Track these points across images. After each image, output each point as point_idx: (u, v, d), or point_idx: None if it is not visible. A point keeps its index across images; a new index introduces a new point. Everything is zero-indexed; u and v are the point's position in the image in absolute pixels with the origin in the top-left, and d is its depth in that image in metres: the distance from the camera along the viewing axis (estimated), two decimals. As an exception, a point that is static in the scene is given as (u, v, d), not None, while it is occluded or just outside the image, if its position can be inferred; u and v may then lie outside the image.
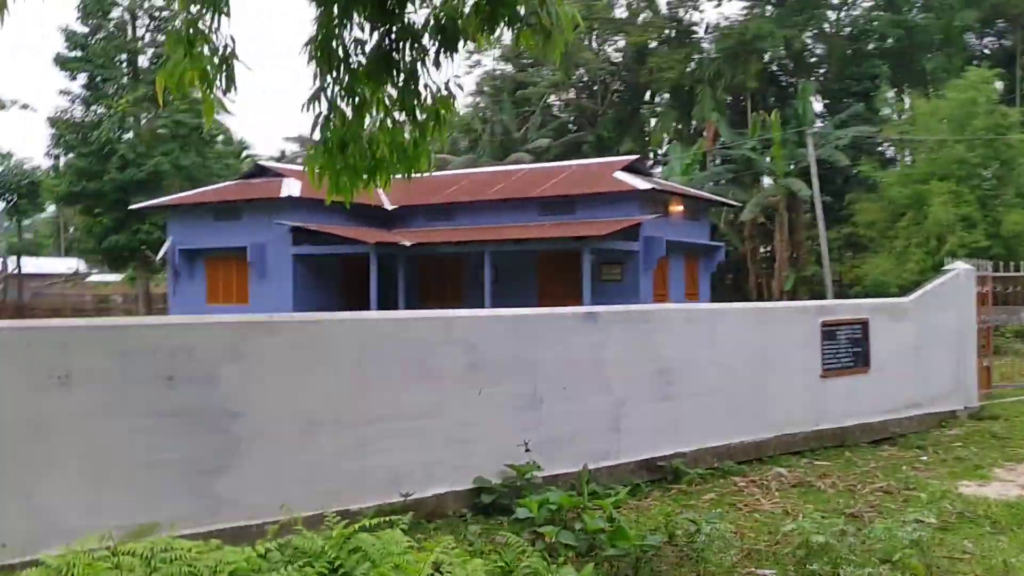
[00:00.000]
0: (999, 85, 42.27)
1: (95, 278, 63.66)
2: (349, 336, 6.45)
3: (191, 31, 4.33)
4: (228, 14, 4.49)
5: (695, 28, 48.66)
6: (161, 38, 37.74)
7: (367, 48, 5.06)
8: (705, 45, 47.57)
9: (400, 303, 24.27)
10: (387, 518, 5.67)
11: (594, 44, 49.75)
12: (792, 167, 39.09)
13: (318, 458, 6.16)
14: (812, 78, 44.24)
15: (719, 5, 72.27)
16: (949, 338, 11.17)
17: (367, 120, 5.14)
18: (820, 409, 9.62)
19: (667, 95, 47.19)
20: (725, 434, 8.67)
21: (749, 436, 8.87)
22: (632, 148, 46.38)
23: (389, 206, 26.86)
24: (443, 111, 5.12)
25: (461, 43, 5.08)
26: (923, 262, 29.74)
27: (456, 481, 6.79)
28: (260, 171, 28.24)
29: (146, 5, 37.28)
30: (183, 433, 5.60)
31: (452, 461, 6.80)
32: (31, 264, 65.93)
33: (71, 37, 36.77)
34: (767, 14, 44.13)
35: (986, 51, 45.31)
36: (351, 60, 5.05)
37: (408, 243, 23.92)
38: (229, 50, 4.52)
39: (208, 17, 4.44)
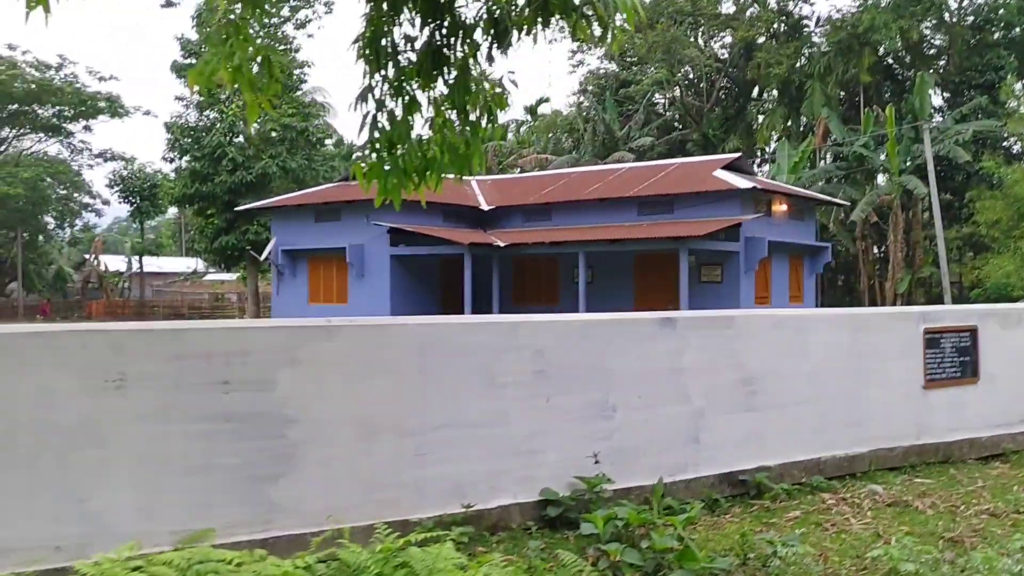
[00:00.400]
0: None
1: (212, 277, 66.16)
2: (410, 341, 6.29)
3: (228, 30, 4.22)
4: (267, 11, 4.36)
5: (806, 21, 47.16)
6: (271, 43, 38.82)
7: (417, 44, 4.88)
8: (816, 39, 46.02)
9: (494, 303, 24.23)
10: (433, 533, 5.50)
11: (700, 41, 48.75)
12: (908, 164, 37.44)
13: (376, 466, 6.02)
14: (931, 70, 42.23)
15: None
16: (1071, 347, 10.31)
17: (417, 119, 4.95)
18: (922, 422, 8.99)
19: (775, 91, 45.83)
20: (814, 448, 8.17)
21: (841, 450, 8.34)
22: (738, 146, 45.26)
23: (486, 207, 26.87)
24: (496, 108, 4.89)
25: (515, 37, 4.85)
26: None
27: (521, 493, 6.56)
28: (361, 173, 28.47)
29: (257, 12, 38.20)
30: (238, 439, 5.53)
31: (517, 472, 6.57)
32: (153, 263, 69.09)
33: (186, 45, 38.18)
34: (882, 5, 42.32)
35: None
36: (400, 57, 4.88)
37: (502, 243, 23.85)
38: (266, 47, 4.39)
39: (247, 14, 4.33)
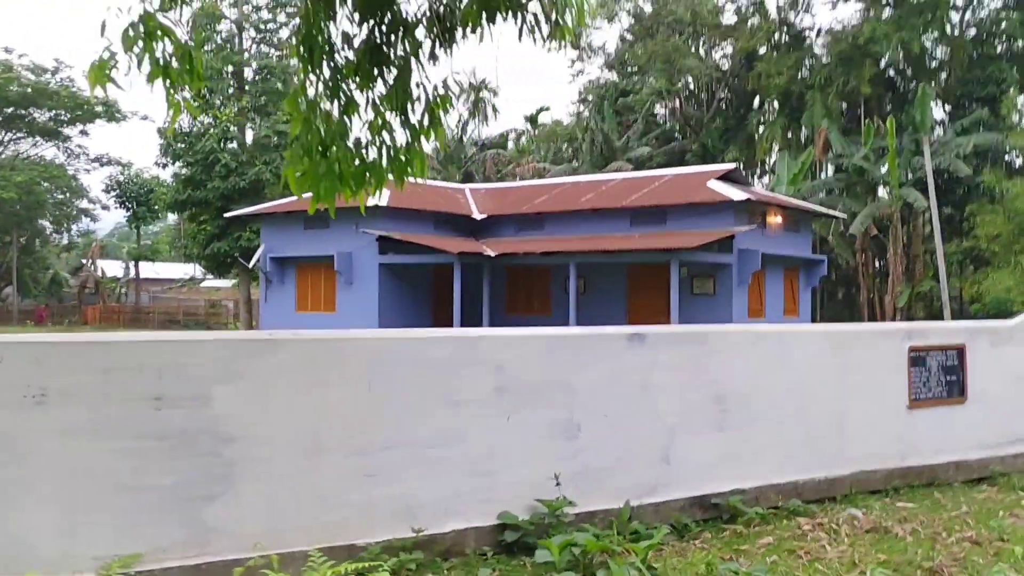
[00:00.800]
0: None
1: (209, 283, 65.94)
2: (359, 356, 5.99)
3: (144, 25, 3.93)
4: (188, 3, 4.08)
5: (807, 32, 46.93)
6: (266, 50, 38.66)
7: (355, 42, 4.60)
8: (817, 50, 45.78)
9: (484, 313, 23.91)
10: (377, 561, 5.20)
11: (700, 51, 48.52)
12: (908, 177, 37.16)
13: (321, 488, 5.71)
14: (932, 83, 41.96)
15: (834, 8, 69.64)
16: (1063, 366, 9.99)
17: (355, 121, 4.66)
18: (906, 443, 8.66)
19: (776, 102, 45.59)
20: (793, 470, 7.84)
21: (821, 472, 8.02)
22: (738, 157, 45.01)
23: (478, 215, 26.57)
24: (439, 111, 4.60)
25: (460, 35, 4.57)
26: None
27: (477, 516, 6.24)
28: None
29: (253, 18, 38.18)
30: (171, 457, 5.23)
31: (474, 494, 6.26)
32: (150, 269, 68.86)
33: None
34: (883, 16, 42.09)
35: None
36: (337, 55, 4.59)
37: (492, 253, 23.54)
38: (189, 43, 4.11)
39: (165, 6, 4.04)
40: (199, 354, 5.44)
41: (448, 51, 4.62)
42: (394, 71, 4.56)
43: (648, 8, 46.19)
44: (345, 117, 4.60)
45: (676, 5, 43.90)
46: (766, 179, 46.85)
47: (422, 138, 4.70)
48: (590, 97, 49.03)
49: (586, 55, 48.35)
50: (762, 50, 46.33)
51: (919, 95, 37.22)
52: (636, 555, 5.54)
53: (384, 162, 4.62)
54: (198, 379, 5.34)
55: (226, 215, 30.95)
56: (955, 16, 43.76)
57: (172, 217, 69.75)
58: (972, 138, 36.96)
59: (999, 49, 43.18)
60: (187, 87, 4.28)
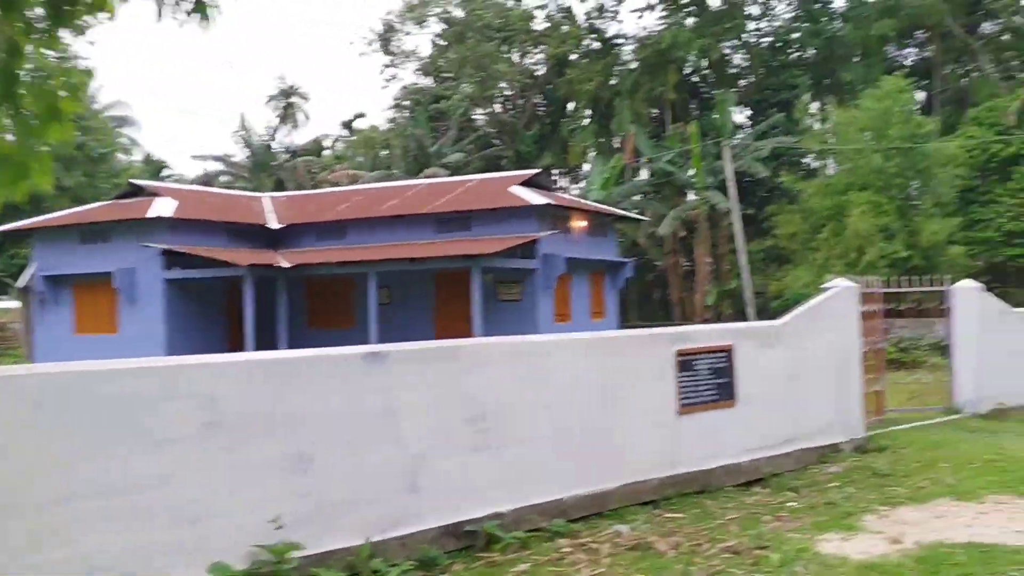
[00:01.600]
0: (920, 96, 42.40)
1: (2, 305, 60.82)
2: (21, 394, 5.07)
3: None
4: None
5: (619, 40, 48.04)
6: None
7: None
8: (625, 57, 46.92)
9: (280, 329, 22.70)
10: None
11: (515, 56, 48.76)
12: (713, 180, 38.52)
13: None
14: (733, 89, 43.80)
15: (641, 17, 71.95)
16: (829, 363, 10.15)
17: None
18: (677, 451, 8.44)
19: (587, 108, 46.39)
20: (557, 488, 7.43)
21: (588, 488, 7.64)
22: (553, 163, 45.48)
23: (276, 225, 25.28)
24: (62, 105, 3.80)
25: (86, 14, 3.79)
26: (843, 274, 29.30)
27: (184, 570, 5.43)
28: (135, 191, 26.12)
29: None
30: None
31: (180, 545, 5.43)
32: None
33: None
34: (685, 24, 43.62)
35: (906, 62, 45.34)
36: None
37: (287, 264, 22.38)
38: None
39: None
40: None
41: (77, 33, 3.83)
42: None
43: (459, 13, 46.01)
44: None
45: (486, 11, 43.90)
46: (582, 184, 47.57)
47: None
48: (405, 103, 48.34)
49: (397, 61, 47.70)
50: (573, 56, 47.05)
51: (719, 101, 38.69)
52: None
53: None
54: None
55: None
56: (752, 25, 45.92)
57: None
58: (769, 142, 38.69)
59: (793, 57, 45.55)
60: None
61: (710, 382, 8.75)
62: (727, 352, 8.91)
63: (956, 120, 37.44)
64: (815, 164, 43.90)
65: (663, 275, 43.81)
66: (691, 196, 41.82)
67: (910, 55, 46.59)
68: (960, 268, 27.56)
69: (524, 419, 7.27)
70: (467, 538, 6.75)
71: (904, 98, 31.04)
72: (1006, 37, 43.25)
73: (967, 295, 13.40)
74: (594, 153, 44.93)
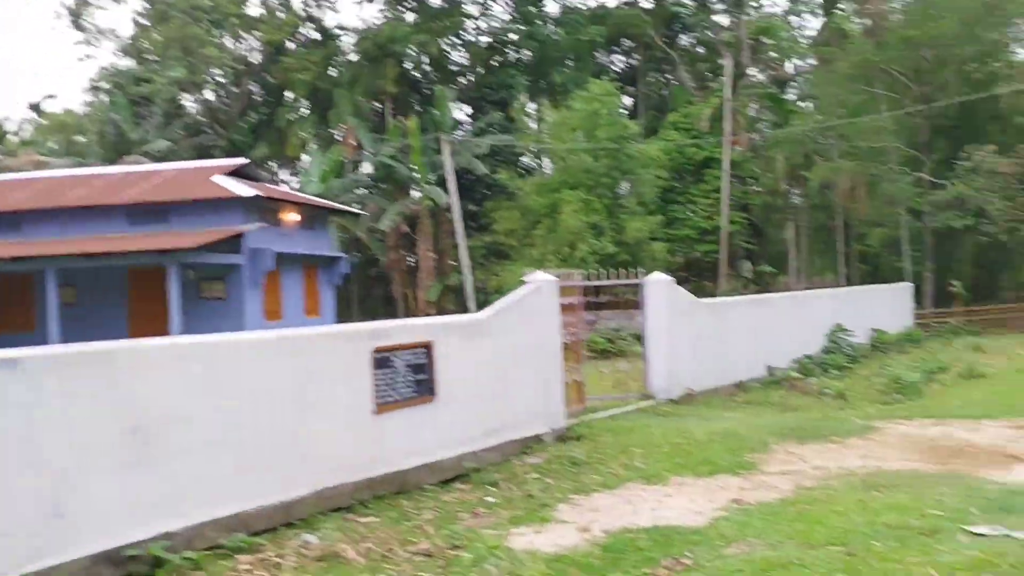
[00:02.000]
0: (629, 101, 45.06)
1: None
2: None
3: None
4: None
5: (340, 30, 46.93)
6: None
7: None
8: (344, 48, 46.02)
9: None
10: None
11: (228, 41, 46.25)
12: (435, 175, 38.66)
13: None
14: (453, 86, 44.23)
15: (360, 7, 71.23)
16: (532, 355, 10.15)
17: None
18: (374, 452, 7.99)
19: (306, 98, 45.00)
20: (237, 500, 6.70)
21: (274, 497, 6.99)
22: (269, 153, 43.68)
23: (-63, 216, 22.16)
24: None
25: None
26: (558, 268, 30.38)
27: None
28: None
29: None
30: None
31: None
32: None
33: None
34: (406, 19, 43.47)
35: (615, 68, 47.96)
36: None
37: (-57, 261, 19.60)
38: None
39: None
40: None
41: None
42: None
43: (161, -10, 42.90)
44: None
45: (192, -10, 41.26)
46: (300, 176, 46.12)
47: None
48: (104, 85, 44.36)
49: (91, 38, 43.66)
50: (291, 45, 45.44)
51: (438, 96, 38.87)
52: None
53: None
54: None
55: None
56: (471, 24, 46.67)
57: None
58: (488, 139, 39.42)
59: (511, 57, 46.77)
60: None
61: (409, 379, 8.38)
62: (427, 347, 8.59)
63: (658, 124, 40.01)
64: (532, 163, 45.51)
65: (386, 271, 43.45)
66: (414, 191, 41.81)
67: (618, 62, 49.39)
68: (662, 263, 29.32)
69: (198, 428, 6.51)
70: (129, 564, 5.90)
71: (611, 101, 32.61)
72: (700, 50, 47.04)
73: (658, 288, 14.03)
74: (314, 145, 43.66)
